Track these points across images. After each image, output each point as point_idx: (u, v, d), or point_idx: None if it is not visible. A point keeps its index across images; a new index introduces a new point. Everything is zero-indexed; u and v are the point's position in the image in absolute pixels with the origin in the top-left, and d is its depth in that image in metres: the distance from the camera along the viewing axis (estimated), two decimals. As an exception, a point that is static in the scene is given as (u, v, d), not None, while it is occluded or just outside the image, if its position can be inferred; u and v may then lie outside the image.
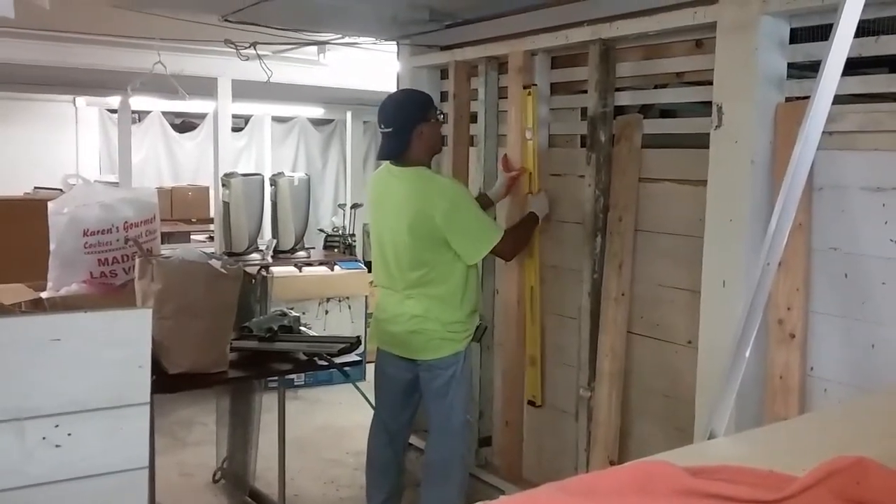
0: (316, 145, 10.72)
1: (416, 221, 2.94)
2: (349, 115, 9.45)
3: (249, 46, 3.89)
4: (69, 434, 1.60)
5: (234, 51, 4.09)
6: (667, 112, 3.36)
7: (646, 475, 0.80)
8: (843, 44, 1.36)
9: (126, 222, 3.29)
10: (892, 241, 2.32)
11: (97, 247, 3.25)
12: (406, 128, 3.00)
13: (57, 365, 1.58)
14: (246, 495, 3.78)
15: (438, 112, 3.17)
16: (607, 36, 3.05)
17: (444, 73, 4.07)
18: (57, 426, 1.59)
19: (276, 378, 3.52)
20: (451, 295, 3.01)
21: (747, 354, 1.27)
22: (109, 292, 3.25)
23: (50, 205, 3.24)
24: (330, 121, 10.57)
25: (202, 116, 9.79)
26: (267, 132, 10.16)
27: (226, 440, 3.93)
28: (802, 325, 2.47)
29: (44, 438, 1.58)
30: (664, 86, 3.14)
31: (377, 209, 3.18)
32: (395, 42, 4.17)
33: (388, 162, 3.12)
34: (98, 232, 3.23)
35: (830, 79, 1.35)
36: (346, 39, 4.32)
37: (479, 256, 3.03)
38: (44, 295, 3.18)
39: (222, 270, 2.92)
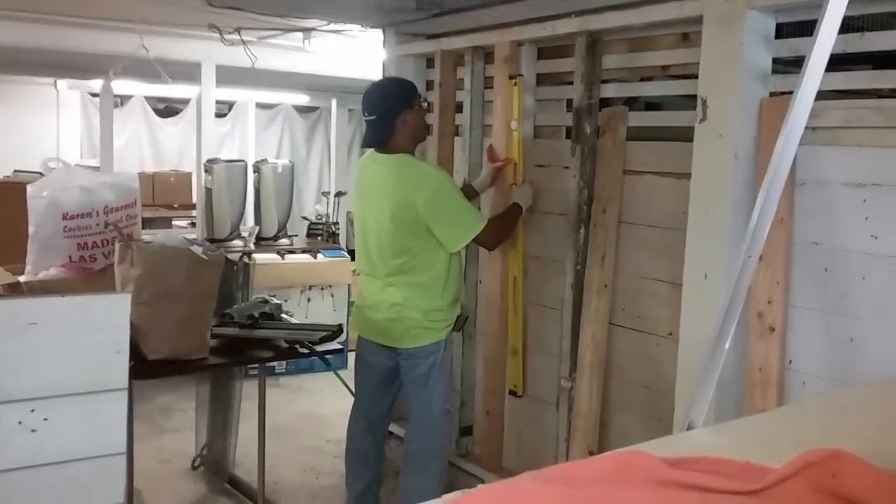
0: (300, 132, 10.66)
1: (398, 208, 2.93)
2: (334, 102, 9.40)
3: (234, 32, 3.86)
4: (45, 419, 1.59)
5: (219, 36, 4.05)
6: (652, 105, 3.37)
7: (624, 465, 0.80)
8: (827, 39, 1.37)
9: (106, 206, 3.26)
10: (872, 236, 2.34)
11: (76, 231, 3.22)
12: (390, 115, 2.98)
13: (34, 349, 1.56)
14: (225, 482, 3.77)
15: (423, 100, 3.14)
16: (594, 28, 3.04)
17: (430, 62, 4.05)
18: (33, 411, 1.57)
19: (256, 365, 3.50)
20: (432, 283, 3.00)
21: (727, 347, 1.27)
22: (88, 277, 3.22)
23: (29, 188, 3.20)
24: (315, 108, 10.51)
25: (185, 101, 9.70)
26: (251, 118, 10.09)
27: (205, 427, 3.92)
28: (782, 318, 2.49)
29: (19, 423, 1.57)
30: (650, 78, 3.14)
31: (361, 196, 3.16)
32: (380, 29, 4.14)
33: (372, 149, 3.10)
34: (78, 216, 3.20)
35: (814, 74, 1.36)
36: (332, 26, 4.28)
37: (461, 244, 3.01)
38: (22, 279, 3.15)
39: (203, 256, 2.90)
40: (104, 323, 1.63)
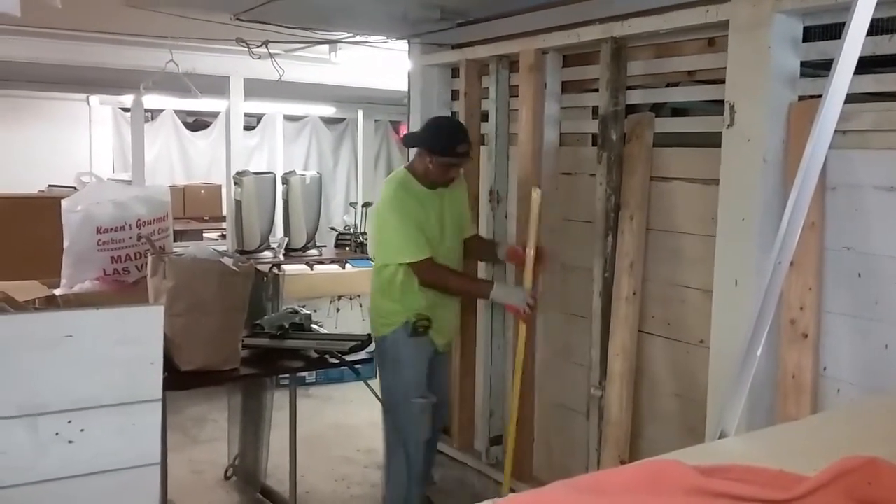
0: (328, 144, 10.73)
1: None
2: (360, 113, 9.45)
3: (261, 45, 3.90)
4: (82, 430, 1.62)
5: (246, 49, 4.09)
6: (678, 111, 3.35)
7: (656, 474, 0.80)
8: (855, 42, 1.35)
9: (139, 220, 3.32)
10: (905, 241, 2.31)
11: (110, 244, 3.28)
12: (418, 143, 3.22)
13: (70, 361, 1.59)
14: (257, 492, 3.80)
15: (452, 154, 3.13)
16: (619, 34, 3.03)
17: (454, 72, 4.07)
18: (70, 422, 1.60)
19: (287, 376, 3.53)
20: (382, 286, 3.20)
21: (758, 354, 1.26)
22: (122, 290, 3.27)
23: (63, 202, 3.26)
24: (342, 119, 10.58)
25: (215, 115, 9.81)
26: (279, 130, 10.18)
27: (237, 437, 3.95)
28: (815, 324, 2.45)
29: (56, 434, 1.60)
30: (676, 84, 3.13)
31: None
32: (406, 41, 4.17)
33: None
34: (111, 229, 3.26)
35: (843, 77, 1.34)
36: (358, 38, 4.32)
37: (385, 260, 3.16)
38: (57, 292, 3.21)
39: (234, 268, 2.94)
40: (138, 335, 1.66)
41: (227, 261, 2.96)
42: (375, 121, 9.87)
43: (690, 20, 2.78)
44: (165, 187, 3.74)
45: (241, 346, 3.00)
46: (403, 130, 10.76)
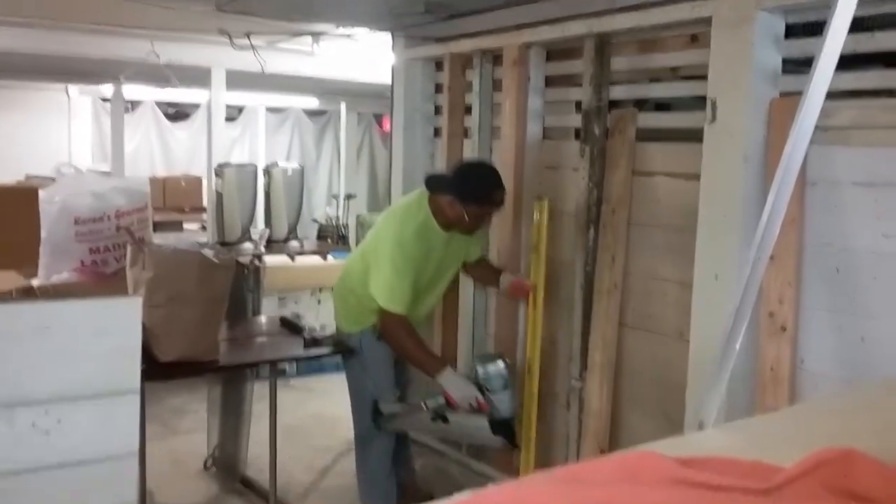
0: (310, 136, 10.68)
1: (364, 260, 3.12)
2: (343, 105, 9.41)
3: (243, 36, 3.87)
4: (59, 421, 1.60)
5: (228, 41, 4.07)
6: (661, 106, 3.36)
7: (635, 465, 0.80)
8: (836, 39, 1.36)
9: (118, 211, 3.28)
10: (884, 236, 2.33)
11: (88, 235, 3.24)
12: (448, 188, 3.01)
13: (47, 352, 1.57)
14: (237, 482, 3.79)
15: (489, 201, 3.01)
16: (602, 30, 3.04)
17: (438, 65, 4.06)
18: (47, 413, 1.59)
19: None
20: (360, 292, 3.09)
21: (737, 347, 1.27)
22: (101, 280, 3.24)
23: (41, 193, 3.23)
24: (324, 112, 10.54)
25: (195, 106, 9.75)
26: (261, 122, 10.12)
27: (217, 428, 3.93)
28: (794, 318, 2.48)
29: (33, 425, 1.58)
30: (657, 80, 3.14)
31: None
32: (389, 33, 4.15)
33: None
34: (89, 220, 3.22)
35: (824, 74, 1.35)
36: (341, 30, 4.30)
37: (373, 295, 3.00)
38: (34, 283, 3.17)
39: (215, 260, 2.92)
40: (117, 326, 1.64)
41: (208, 252, 2.93)
42: (358, 113, 9.83)
43: (674, 16, 2.79)
44: (145, 178, 3.71)
45: (220, 338, 2.97)
46: (386, 123, 10.75)
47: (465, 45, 3.72)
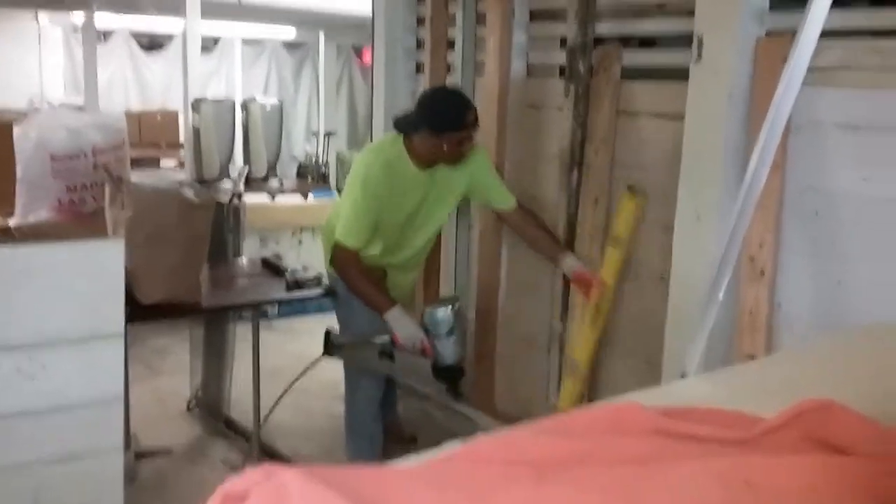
0: (288, 70, 10.46)
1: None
2: (322, 36, 9.20)
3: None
4: (43, 366, 1.60)
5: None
6: (644, 42, 3.30)
7: (618, 416, 0.82)
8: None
9: (94, 148, 3.22)
10: (863, 179, 2.34)
11: (65, 173, 3.19)
12: (419, 124, 2.89)
13: (29, 296, 1.56)
14: (220, 423, 3.82)
15: (462, 125, 2.87)
16: (589, -37, 2.97)
17: (420, -2, 3.97)
18: (31, 358, 1.58)
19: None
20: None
21: (720, 296, 1.28)
22: (78, 220, 3.20)
23: (16, 129, 3.15)
24: (302, 44, 10.30)
25: (171, 36, 9.50)
26: (237, 55, 9.90)
27: (200, 369, 3.95)
28: (773, 262, 2.50)
29: (18, 370, 1.58)
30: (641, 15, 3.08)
31: None
32: (370, -36, 4.04)
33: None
34: (65, 157, 3.17)
35: (817, 15, 1.32)
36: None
37: (338, 227, 2.94)
38: (11, 222, 3.12)
39: (195, 199, 2.89)
40: (99, 269, 1.63)
41: (188, 192, 2.90)
42: (337, 45, 9.62)
43: (662, -49, 2.73)
44: (121, 114, 3.62)
45: (201, 278, 2.96)
46: (366, 56, 10.53)
47: (448, -23, 3.63)
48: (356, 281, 2.97)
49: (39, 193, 3.16)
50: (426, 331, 2.88)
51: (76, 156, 3.17)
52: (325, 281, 3.27)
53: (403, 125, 2.95)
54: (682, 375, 1.09)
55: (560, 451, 0.76)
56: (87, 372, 1.65)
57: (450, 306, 2.91)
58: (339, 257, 2.94)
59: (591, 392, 3.10)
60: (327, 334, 3.07)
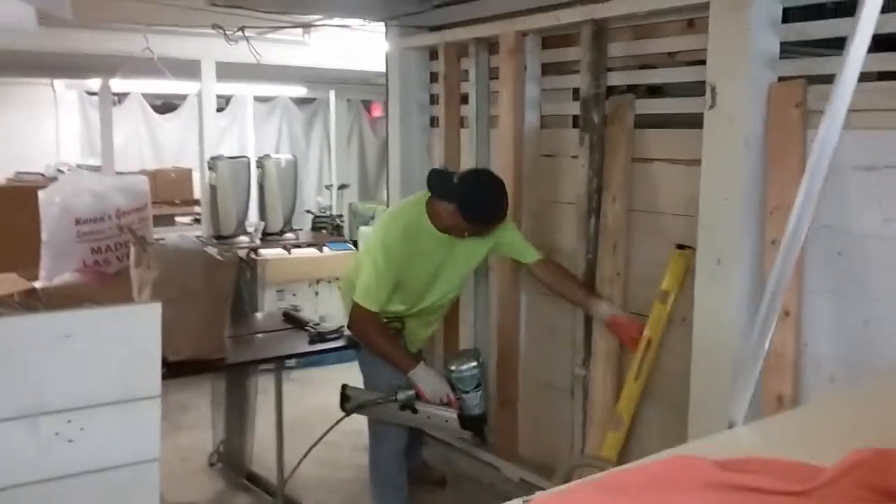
0: (299, 125, 10.64)
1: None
2: (332, 94, 9.37)
3: (238, 30, 3.85)
4: (82, 429, 1.61)
5: (219, 33, 4.03)
6: (654, 90, 3.35)
7: (675, 469, 0.82)
8: (869, 19, 1.32)
9: (118, 210, 3.28)
10: (884, 220, 2.36)
11: (90, 235, 3.24)
12: (452, 197, 2.89)
13: (69, 360, 1.58)
14: (243, 478, 3.80)
15: (486, 225, 2.96)
16: (599, 16, 3.04)
17: (432, 54, 4.05)
18: (69, 421, 1.59)
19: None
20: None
21: (766, 345, 1.29)
22: (103, 281, 3.24)
23: (41, 194, 3.22)
24: (312, 100, 10.49)
25: (183, 97, 9.69)
26: (249, 112, 10.08)
27: (221, 423, 3.95)
28: (797, 302, 2.51)
29: (57, 434, 1.59)
30: (651, 66, 3.14)
31: None
32: (383, 23, 4.14)
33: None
34: (90, 220, 3.22)
35: (856, 56, 1.33)
36: (335, 21, 4.28)
37: (357, 288, 2.98)
38: (37, 285, 3.16)
39: (219, 257, 2.92)
40: (137, 332, 1.65)
41: (211, 250, 2.94)
42: (348, 100, 9.79)
43: (671, 2, 2.80)
44: (143, 177, 3.68)
45: (226, 335, 2.98)
46: (375, 110, 10.70)
47: (461, 34, 3.71)
48: (376, 342, 3.01)
49: (65, 256, 3.21)
50: (452, 386, 2.92)
51: (100, 219, 3.23)
52: (347, 332, 3.28)
53: (438, 186, 2.93)
54: (730, 426, 1.09)
55: (619, 506, 0.76)
56: (125, 434, 1.66)
57: (475, 362, 2.96)
58: (358, 318, 2.97)
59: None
60: (343, 390, 3.10)
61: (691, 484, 0.80)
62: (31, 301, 2.96)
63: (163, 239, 3.08)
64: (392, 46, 4.12)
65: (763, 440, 1.02)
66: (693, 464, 0.83)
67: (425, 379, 2.93)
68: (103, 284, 3.18)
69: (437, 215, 2.93)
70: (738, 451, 0.92)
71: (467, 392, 2.94)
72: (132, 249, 2.91)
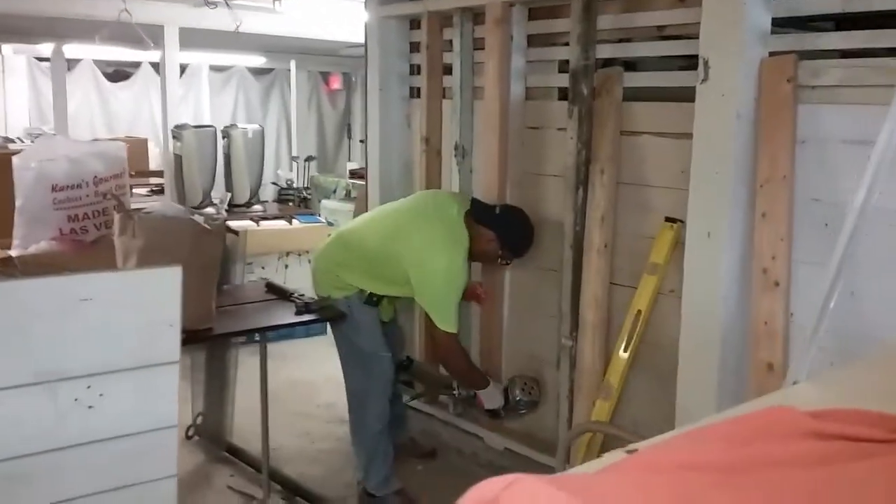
0: (256, 95, 10.42)
1: (392, 246, 3.17)
2: (293, 63, 9.19)
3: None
4: (101, 395, 1.57)
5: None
6: (629, 65, 3.34)
7: (770, 419, 0.85)
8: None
9: (96, 177, 3.18)
10: (870, 192, 2.42)
11: (66, 202, 3.14)
12: (495, 227, 3.19)
13: (88, 326, 1.53)
14: (223, 450, 3.76)
15: (518, 254, 3.30)
16: (591, -12, 3.04)
17: (413, 24, 4.01)
18: (89, 387, 1.55)
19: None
20: (356, 267, 3.26)
21: (832, 305, 1.33)
22: (81, 249, 3.15)
23: (15, 160, 3.10)
24: (270, 70, 10.29)
25: (136, 65, 9.40)
26: (205, 81, 9.83)
27: (199, 396, 3.89)
28: (786, 273, 2.57)
29: (76, 400, 1.55)
30: (628, 39, 3.16)
31: (393, 204, 3.50)
32: (362, -9, 4.08)
33: (457, 201, 3.29)
34: (67, 187, 3.12)
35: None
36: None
37: (434, 317, 3.15)
38: (12, 253, 3.06)
39: (206, 226, 2.86)
40: (157, 297, 1.61)
41: (198, 218, 2.87)
42: (307, 72, 9.63)
43: (664, -25, 2.82)
44: (121, 143, 3.57)
45: (214, 305, 2.93)
46: (334, 82, 10.55)
47: (445, 4, 3.67)
48: (463, 364, 3.32)
49: (40, 223, 3.10)
50: (506, 400, 3.36)
51: (77, 185, 3.13)
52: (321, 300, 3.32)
53: (481, 213, 3.22)
54: (794, 382, 1.12)
55: (727, 456, 0.78)
56: (144, 400, 1.63)
57: (536, 392, 3.41)
58: (449, 344, 3.18)
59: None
60: (408, 359, 3.55)
61: (789, 432, 0.83)
62: (9, 270, 2.86)
63: (145, 207, 2.99)
64: (371, 15, 4.06)
65: (828, 394, 1.05)
66: (787, 414, 0.85)
67: (490, 395, 3.34)
68: (81, 253, 3.09)
69: (473, 238, 3.17)
70: (807, 405, 0.95)
71: (517, 412, 3.43)
72: (116, 217, 2.83)
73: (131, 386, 1.61)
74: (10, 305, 1.47)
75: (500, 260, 3.28)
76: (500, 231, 3.17)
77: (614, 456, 0.84)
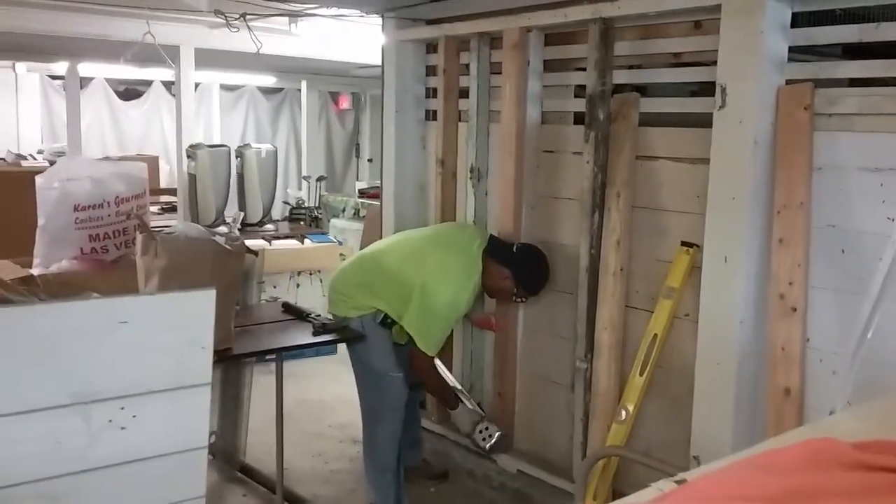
0: (265, 114, 10.53)
1: (401, 269, 3.23)
2: (304, 84, 9.28)
3: (239, 18, 3.80)
4: (134, 416, 1.59)
5: (201, 19, 3.98)
6: (639, 89, 3.37)
7: (815, 451, 0.86)
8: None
9: (118, 197, 3.22)
10: (888, 218, 2.45)
11: (88, 222, 3.18)
12: (511, 265, 3.25)
13: (124, 347, 1.56)
14: (237, 470, 3.77)
15: (531, 293, 3.35)
16: (608, 15, 3.08)
17: (429, 47, 4.06)
18: (122, 409, 1.57)
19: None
20: (374, 290, 3.29)
21: (869, 336, 1.34)
22: (101, 268, 3.18)
23: (38, 179, 3.14)
24: (280, 89, 10.38)
25: (148, 83, 9.50)
26: (216, 100, 9.93)
27: (214, 415, 3.89)
28: (803, 298, 2.59)
29: (110, 421, 1.56)
30: (639, 66, 3.20)
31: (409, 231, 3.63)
32: (379, 15, 4.12)
33: (481, 232, 3.45)
34: (89, 207, 3.16)
35: None
36: (332, 11, 4.25)
37: (418, 338, 3.18)
38: (34, 272, 3.09)
39: (227, 247, 2.89)
40: (191, 319, 1.63)
41: (219, 239, 2.90)
42: (318, 91, 9.71)
43: (681, 3, 2.86)
44: (142, 164, 3.61)
45: (233, 325, 2.95)
46: (343, 102, 10.64)
47: (462, 29, 3.72)
48: (438, 382, 3.43)
49: (62, 243, 3.14)
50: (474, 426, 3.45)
51: (100, 205, 3.16)
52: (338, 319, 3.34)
53: (498, 250, 3.29)
54: (831, 412, 1.14)
55: (774, 487, 0.80)
56: (176, 421, 1.65)
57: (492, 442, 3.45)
58: (424, 363, 3.26)
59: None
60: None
61: (832, 464, 0.84)
62: (31, 289, 2.88)
63: (168, 227, 3.02)
64: (389, 39, 4.12)
65: (867, 424, 1.07)
66: (831, 445, 0.87)
67: (461, 417, 3.45)
68: (101, 272, 3.13)
69: (489, 275, 3.23)
70: (851, 436, 0.97)
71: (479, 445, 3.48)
72: (138, 237, 2.86)
73: (164, 407, 1.63)
74: (48, 327, 1.49)
75: (514, 297, 3.34)
76: (516, 269, 3.24)
77: (663, 486, 0.85)
